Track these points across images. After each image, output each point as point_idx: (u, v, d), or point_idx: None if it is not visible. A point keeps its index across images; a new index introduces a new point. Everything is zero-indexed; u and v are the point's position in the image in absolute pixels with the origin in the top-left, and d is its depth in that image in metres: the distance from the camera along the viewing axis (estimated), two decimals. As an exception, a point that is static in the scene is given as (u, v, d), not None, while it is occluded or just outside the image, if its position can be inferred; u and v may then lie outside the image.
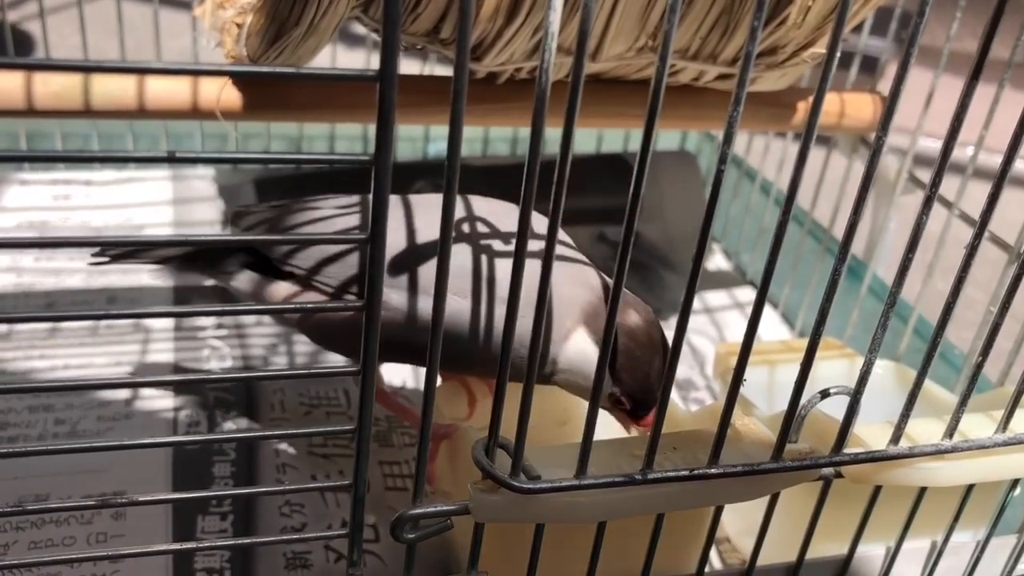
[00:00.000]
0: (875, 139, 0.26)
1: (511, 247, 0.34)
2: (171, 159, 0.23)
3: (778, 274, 0.27)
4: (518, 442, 0.28)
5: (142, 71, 0.21)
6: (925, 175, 0.28)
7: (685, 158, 0.73)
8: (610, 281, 0.36)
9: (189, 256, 0.43)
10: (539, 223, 0.35)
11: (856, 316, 0.55)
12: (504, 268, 0.36)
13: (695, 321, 0.62)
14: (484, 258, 0.36)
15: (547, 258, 0.24)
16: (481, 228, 0.37)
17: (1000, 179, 0.28)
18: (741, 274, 0.68)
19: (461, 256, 0.36)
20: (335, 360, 0.52)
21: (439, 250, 0.24)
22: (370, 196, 0.24)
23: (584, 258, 0.38)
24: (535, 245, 0.26)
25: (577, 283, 0.37)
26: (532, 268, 0.25)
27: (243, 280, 0.41)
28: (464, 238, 0.36)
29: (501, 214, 0.38)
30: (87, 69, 0.21)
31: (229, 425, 0.48)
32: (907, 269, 0.29)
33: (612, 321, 0.26)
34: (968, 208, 0.48)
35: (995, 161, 0.29)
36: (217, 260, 0.42)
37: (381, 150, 0.23)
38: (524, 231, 0.24)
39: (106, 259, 0.44)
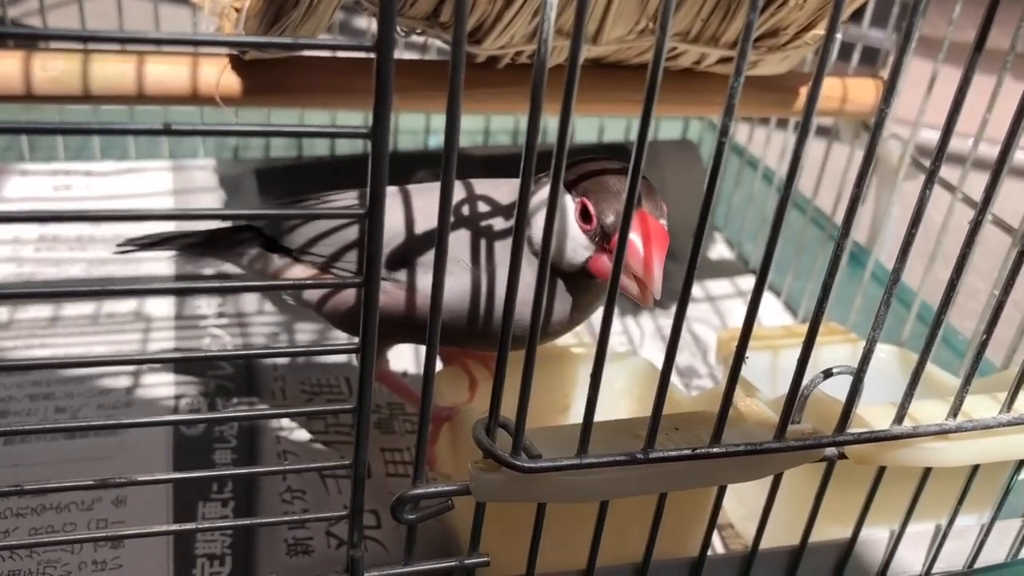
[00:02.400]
0: (878, 111, 0.26)
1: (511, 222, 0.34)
2: (167, 132, 0.23)
3: (781, 262, 0.27)
4: (519, 420, 0.28)
5: (139, 40, 0.21)
6: (928, 163, 0.28)
7: (687, 147, 0.73)
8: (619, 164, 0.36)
9: (206, 243, 0.45)
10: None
11: (859, 302, 0.55)
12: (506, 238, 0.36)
13: (697, 309, 0.62)
14: (487, 235, 0.36)
15: (548, 221, 0.24)
16: (483, 207, 0.37)
17: (1003, 154, 0.28)
18: (743, 263, 0.68)
19: (463, 232, 0.36)
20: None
21: (438, 225, 0.24)
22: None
23: None
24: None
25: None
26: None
27: (259, 261, 0.42)
28: (466, 219, 0.36)
29: (501, 184, 0.38)
30: (85, 39, 0.21)
31: (230, 412, 0.48)
32: (910, 245, 0.28)
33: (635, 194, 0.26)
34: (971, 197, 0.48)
35: (997, 151, 0.28)
36: (234, 244, 0.43)
37: (379, 123, 0.23)
38: (524, 201, 0.24)
39: (133, 247, 0.46)
